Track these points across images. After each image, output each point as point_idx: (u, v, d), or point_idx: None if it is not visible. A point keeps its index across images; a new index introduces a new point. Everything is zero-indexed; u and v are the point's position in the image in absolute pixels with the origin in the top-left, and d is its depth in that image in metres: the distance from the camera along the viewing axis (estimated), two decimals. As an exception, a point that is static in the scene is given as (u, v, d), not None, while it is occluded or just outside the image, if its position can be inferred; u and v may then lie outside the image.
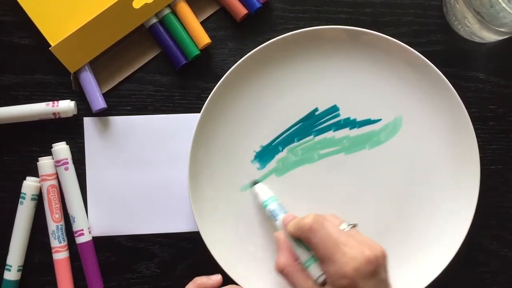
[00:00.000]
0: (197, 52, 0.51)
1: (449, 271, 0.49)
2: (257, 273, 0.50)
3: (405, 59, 0.50)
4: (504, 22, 0.45)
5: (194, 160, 0.49)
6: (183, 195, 0.51)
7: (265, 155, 0.51)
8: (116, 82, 0.52)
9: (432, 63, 0.49)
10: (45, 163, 0.51)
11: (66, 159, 0.51)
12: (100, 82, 0.51)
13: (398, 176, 0.51)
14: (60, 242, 0.51)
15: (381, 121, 0.51)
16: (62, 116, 0.51)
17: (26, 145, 0.52)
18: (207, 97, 0.49)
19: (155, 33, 0.51)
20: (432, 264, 0.50)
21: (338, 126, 0.51)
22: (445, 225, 0.50)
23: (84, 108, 0.52)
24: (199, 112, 0.49)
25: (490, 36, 0.49)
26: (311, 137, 0.51)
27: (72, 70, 0.50)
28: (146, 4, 0.50)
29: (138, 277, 0.52)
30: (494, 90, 0.53)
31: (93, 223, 0.52)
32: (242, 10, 0.51)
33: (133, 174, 0.52)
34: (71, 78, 0.51)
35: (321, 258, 0.41)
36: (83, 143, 0.52)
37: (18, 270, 0.51)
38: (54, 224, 0.51)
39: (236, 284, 0.49)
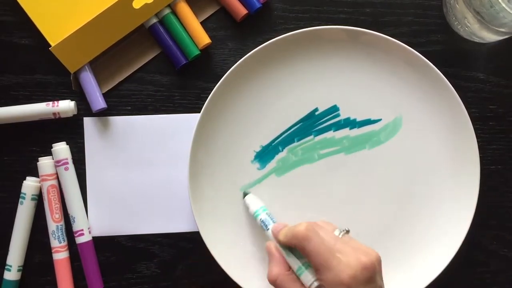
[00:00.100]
0: (197, 52, 0.51)
1: (449, 271, 0.49)
2: (257, 273, 0.50)
3: (405, 59, 0.50)
4: (504, 22, 0.45)
5: (194, 160, 0.49)
6: (183, 195, 0.51)
7: (265, 155, 0.51)
8: (116, 82, 0.52)
9: (432, 63, 0.49)
10: (45, 163, 0.51)
11: (66, 159, 0.51)
12: (100, 82, 0.51)
13: (398, 176, 0.51)
14: (60, 242, 0.51)
15: (381, 121, 0.51)
16: (62, 116, 0.51)
17: (26, 145, 0.52)
18: (207, 97, 0.49)
19: (155, 33, 0.51)
20: (432, 264, 0.50)
21: (338, 126, 0.51)
22: (445, 225, 0.50)
23: (84, 108, 0.52)
24: (199, 112, 0.49)
25: (490, 36, 0.49)
26: (311, 137, 0.51)
27: (72, 70, 0.50)
28: (146, 4, 0.50)
29: (138, 277, 0.52)
30: (494, 90, 0.53)
31: (93, 223, 0.52)
32: (242, 10, 0.51)
33: (133, 174, 0.52)
34: (71, 78, 0.51)
35: (316, 266, 0.41)
36: (83, 143, 0.52)
37: (18, 270, 0.51)
38: (54, 224, 0.51)
39: (237, 285, 0.49)
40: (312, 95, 0.51)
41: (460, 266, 0.51)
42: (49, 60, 0.50)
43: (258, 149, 0.51)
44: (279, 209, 0.51)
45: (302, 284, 0.42)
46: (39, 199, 0.51)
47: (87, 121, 0.52)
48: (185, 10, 0.51)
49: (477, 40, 0.51)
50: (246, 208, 0.50)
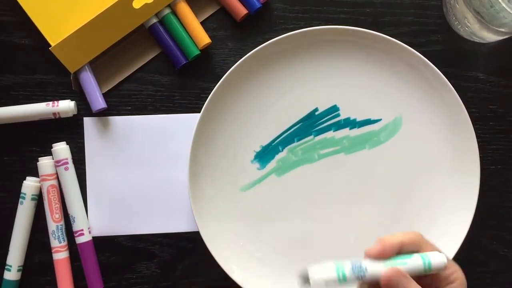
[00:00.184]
0: (197, 52, 0.51)
1: (449, 271, 0.49)
2: (257, 273, 0.50)
3: (405, 59, 0.50)
4: (504, 22, 0.45)
5: (194, 160, 0.49)
6: (183, 195, 0.51)
7: (265, 155, 0.51)
8: (116, 82, 0.52)
9: (432, 63, 0.49)
10: (45, 163, 0.51)
11: (66, 159, 0.51)
12: (100, 82, 0.51)
13: (398, 176, 0.51)
14: (60, 242, 0.51)
15: (381, 121, 0.51)
16: (62, 116, 0.51)
17: (26, 145, 0.52)
18: (207, 97, 0.49)
19: (155, 33, 0.51)
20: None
21: (338, 126, 0.51)
22: (445, 225, 0.50)
23: (84, 108, 0.52)
24: (199, 112, 0.49)
25: (490, 36, 0.49)
26: (311, 137, 0.51)
27: (72, 70, 0.50)
28: (146, 4, 0.50)
29: (138, 277, 0.52)
30: (494, 90, 0.53)
31: (93, 223, 0.52)
32: (242, 10, 0.51)
33: (133, 174, 0.52)
34: (71, 78, 0.51)
35: None
36: (83, 143, 0.52)
37: (18, 270, 0.51)
38: (54, 224, 0.51)
39: (237, 285, 0.49)
40: (312, 95, 0.51)
41: (460, 266, 0.51)
42: (49, 60, 0.50)
43: (258, 149, 0.51)
44: (279, 209, 0.51)
45: None
46: (39, 199, 0.51)
47: (87, 121, 0.52)
48: (185, 10, 0.51)
49: (477, 40, 0.51)
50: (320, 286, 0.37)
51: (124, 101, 0.52)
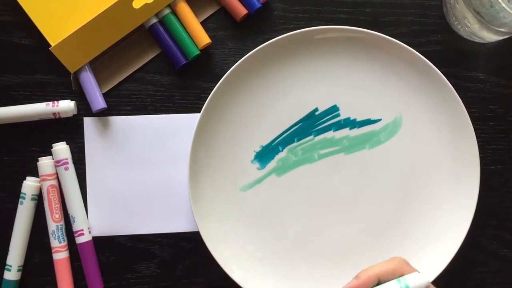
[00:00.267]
0: (197, 52, 0.51)
1: (449, 271, 0.49)
2: (257, 273, 0.50)
3: (405, 59, 0.50)
4: (504, 22, 0.45)
5: (194, 160, 0.49)
6: (183, 195, 0.51)
7: (265, 155, 0.51)
8: (116, 82, 0.52)
9: (432, 63, 0.49)
10: (45, 163, 0.51)
11: (66, 159, 0.51)
12: (100, 82, 0.51)
13: (398, 176, 0.51)
14: (60, 242, 0.51)
15: (381, 121, 0.51)
16: (62, 116, 0.51)
17: (26, 145, 0.52)
18: (207, 97, 0.49)
19: (155, 33, 0.51)
20: (432, 264, 0.50)
21: (338, 126, 0.51)
22: (445, 225, 0.50)
23: (84, 108, 0.52)
24: (199, 112, 0.49)
25: (490, 36, 0.49)
26: (311, 137, 0.51)
27: (72, 70, 0.50)
28: (146, 4, 0.50)
29: (138, 277, 0.52)
30: (494, 90, 0.53)
31: (93, 223, 0.52)
32: (242, 10, 0.51)
33: (133, 174, 0.52)
34: (71, 78, 0.51)
35: None
36: (83, 143, 0.52)
37: (18, 270, 0.51)
38: (54, 224, 0.51)
39: (237, 284, 0.49)
40: (312, 95, 0.51)
41: (460, 266, 0.51)
42: (49, 60, 0.50)
43: (258, 149, 0.51)
44: (279, 209, 0.51)
45: None
46: (39, 199, 0.51)
47: (87, 121, 0.52)
48: (185, 10, 0.51)
49: (477, 40, 0.51)
50: None
51: (124, 101, 0.52)
